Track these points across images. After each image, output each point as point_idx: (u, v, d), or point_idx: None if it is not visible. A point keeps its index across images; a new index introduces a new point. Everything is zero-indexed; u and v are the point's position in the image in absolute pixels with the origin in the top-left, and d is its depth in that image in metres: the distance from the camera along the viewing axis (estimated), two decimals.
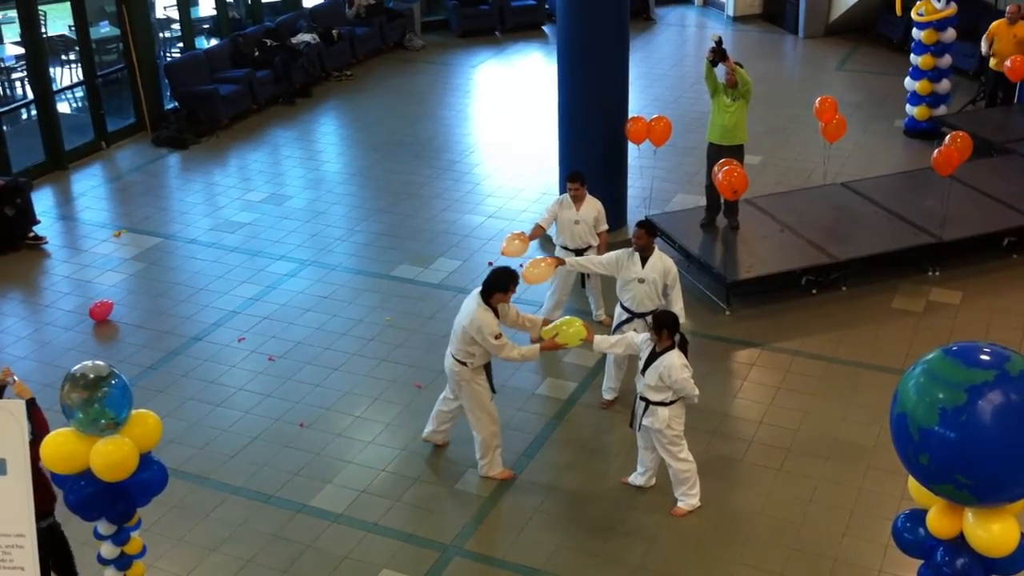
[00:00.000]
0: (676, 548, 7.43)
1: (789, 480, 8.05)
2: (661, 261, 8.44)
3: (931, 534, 4.81)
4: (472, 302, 7.73)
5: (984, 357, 4.40)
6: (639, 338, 7.63)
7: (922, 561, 4.99)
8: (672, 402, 7.44)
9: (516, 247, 9.23)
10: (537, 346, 7.76)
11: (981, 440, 4.28)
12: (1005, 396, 4.28)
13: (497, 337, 7.60)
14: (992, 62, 13.96)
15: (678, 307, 8.35)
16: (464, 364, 7.81)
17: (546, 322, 8.98)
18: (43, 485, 6.03)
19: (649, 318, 8.10)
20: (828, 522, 7.62)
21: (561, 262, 8.72)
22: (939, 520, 4.73)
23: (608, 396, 8.99)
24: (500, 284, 7.66)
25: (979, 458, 4.30)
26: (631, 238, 8.62)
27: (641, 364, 7.49)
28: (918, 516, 4.94)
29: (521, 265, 10.74)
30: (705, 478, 7.84)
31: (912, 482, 4.84)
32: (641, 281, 8.43)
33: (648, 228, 8.47)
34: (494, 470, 8.12)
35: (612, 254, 8.63)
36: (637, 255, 8.47)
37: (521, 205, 12.63)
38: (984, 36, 13.91)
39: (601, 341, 7.78)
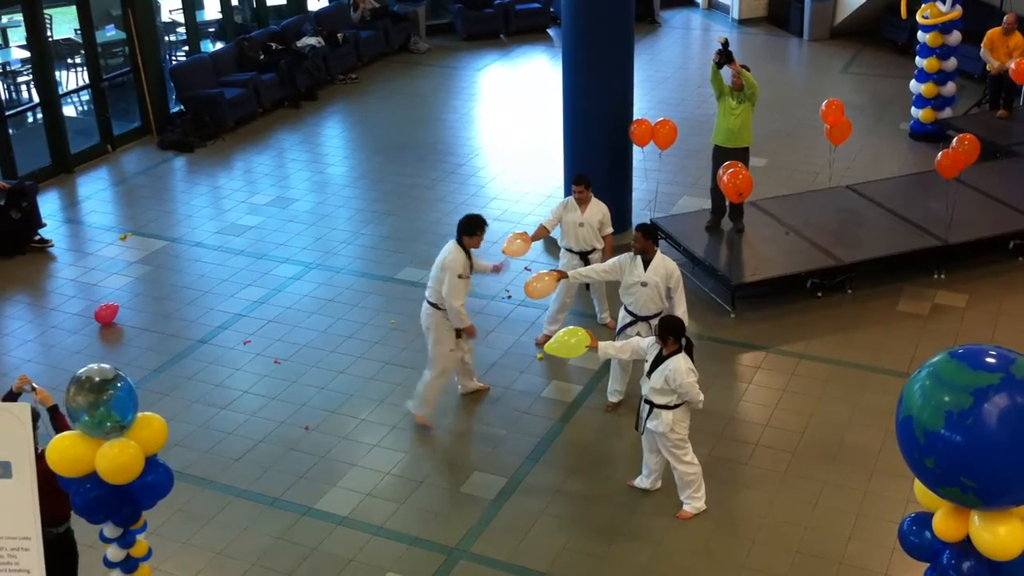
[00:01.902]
0: (681, 551, 7.43)
1: (794, 483, 8.04)
2: (663, 264, 8.42)
3: (937, 537, 4.80)
4: (448, 245, 8.54)
5: (990, 360, 4.38)
6: (645, 342, 7.62)
7: (928, 564, 4.98)
8: (676, 406, 7.44)
9: (517, 247, 9.24)
10: (471, 325, 8.54)
11: (987, 443, 4.27)
12: (1011, 399, 4.27)
13: (459, 277, 8.34)
14: (988, 67, 13.96)
15: (681, 310, 8.34)
16: (439, 308, 8.50)
17: (546, 338, 9.13)
18: (61, 490, 6.00)
19: (654, 321, 8.10)
20: (834, 525, 7.61)
21: (563, 275, 8.73)
22: (945, 523, 4.72)
23: (613, 399, 8.98)
24: (465, 228, 8.48)
25: (985, 461, 4.28)
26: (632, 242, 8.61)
27: (647, 367, 7.48)
28: (924, 519, 4.93)
29: (527, 268, 10.77)
30: (710, 481, 7.84)
31: (918, 485, 4.83)
32: (644, 284, 8.41)
33: (646, 231, 8.43)
34: (422, 409, 8.73)
35: (614, 259, 8.61)
36: (639, 258, 8.45)
37: (526, 208, 12.63)
38: (983, 46, 13.89)
39: (607, 347, 7.76)
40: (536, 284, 8.51)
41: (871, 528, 7.55)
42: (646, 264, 8.42)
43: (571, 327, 7.67)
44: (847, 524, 7.60)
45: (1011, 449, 4.27)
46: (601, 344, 7.69)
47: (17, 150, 13.30)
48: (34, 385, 6.36)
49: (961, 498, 4.48)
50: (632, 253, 8.49)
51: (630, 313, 8.58)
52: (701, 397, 7.41)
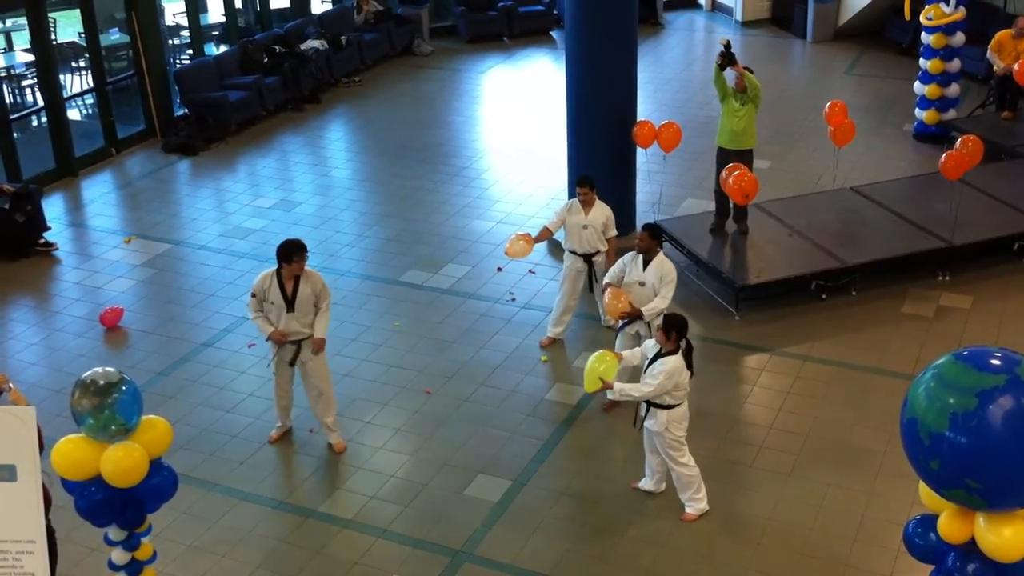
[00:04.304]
0: (686, 553, 7.42)
1: (799, 485, 8.03)
2: (662, 265, 8.45)
3: (942, 539, 4.79)
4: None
5: (995, 362, 4.38)
6: (648, 343, 7.63)
7: (933, 567, 4.98)
8: (673, 406, 7.42)
9: (520, 247, 9.24)
10: (270, 330, 8.13)
11: (992, 445, 4.26)
12: (1016, 400, 4.26)
13: (252, 295, 8.18)
14: (995, 68, 13.94)
15: (663, 301, 8.34)
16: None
17: (550, 340, 9.10)
18: None
19: (656, 321, 8.10)
20: (838, 527, 7.60)
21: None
22: (950, 525, 4.71)
23: (612, 396, 8.97)
24: (278, 253, 8.09)
25: (990, 463, 4.28)
26: (637, 240, 8.63)
27: (646, 364, 7.48)
28: (929, 521, 4.93)
29: (532, 271, 10.71)
30: (715, 483, 7.83)
31: (923, 487, 4.83)
32: (642, 284, 8.46)
33: (652, 231, 8.49)
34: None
35: (620, 262, 8.67)
36: (640, 258, 8.50)
37: (530, 210, 12.63)
38: (990, 47, 13.89)
39: (631, 358, 7.70)
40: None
41: (876, 530, 7.54)
42: (646, 264, 8.44)
43: (600, 352, 7.48)
44: (852, 526, 7.59)
45: (1016, 451, 4.26)
46: (624, 354, 7.68)
47: (21, 153, 13.33)
48: (11, 385, 6.38)
49: (966, 500, 4.48)
50: (635, 252, 8.52)
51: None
52: (650, 391, 7.25)
